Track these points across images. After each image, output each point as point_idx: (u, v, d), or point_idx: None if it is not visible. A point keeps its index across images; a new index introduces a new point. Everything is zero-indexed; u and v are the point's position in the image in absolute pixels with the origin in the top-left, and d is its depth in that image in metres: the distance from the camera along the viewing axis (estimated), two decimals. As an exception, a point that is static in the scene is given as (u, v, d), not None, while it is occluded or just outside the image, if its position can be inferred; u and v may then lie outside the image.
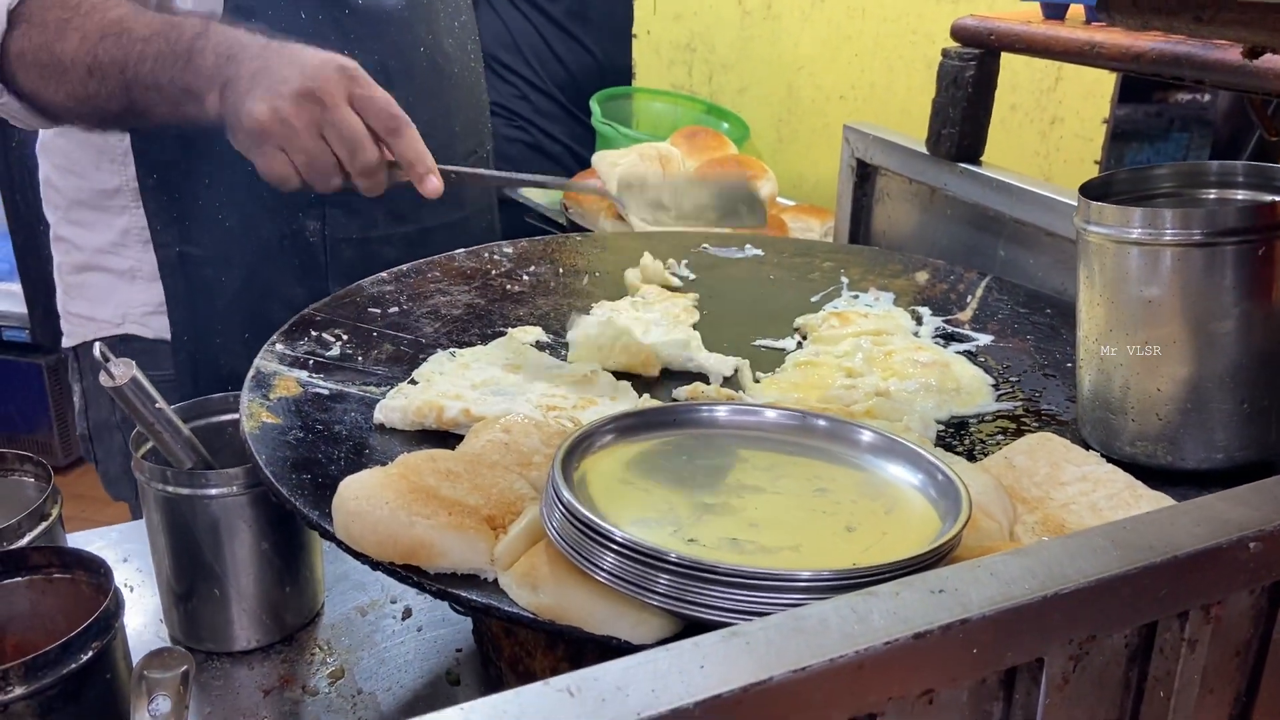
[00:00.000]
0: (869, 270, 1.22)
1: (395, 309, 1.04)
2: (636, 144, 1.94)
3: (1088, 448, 0.84)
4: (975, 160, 1.25)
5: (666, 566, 0.53)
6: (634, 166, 1.60)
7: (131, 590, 1.09)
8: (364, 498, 0.63)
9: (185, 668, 0.72)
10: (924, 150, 1.30)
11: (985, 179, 1.22)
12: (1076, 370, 0.85)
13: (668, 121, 2.23)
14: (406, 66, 1.32)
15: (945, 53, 1.23)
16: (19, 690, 0.68)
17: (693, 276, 1.20)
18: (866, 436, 0.68)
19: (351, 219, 1.26)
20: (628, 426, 0.68)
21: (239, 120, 0.93)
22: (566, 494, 0.58)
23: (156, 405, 0.88)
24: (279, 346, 0.92)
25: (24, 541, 0.86)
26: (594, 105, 2.06)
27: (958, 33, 1.21)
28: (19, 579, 0.80)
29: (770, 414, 0.71)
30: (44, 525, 0.87)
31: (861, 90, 2.00)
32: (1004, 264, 1.23)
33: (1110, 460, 0.81)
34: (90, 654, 0.72)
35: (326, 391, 0.86)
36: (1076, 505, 0.69)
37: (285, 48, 0.97)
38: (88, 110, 1.04)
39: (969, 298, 1.15)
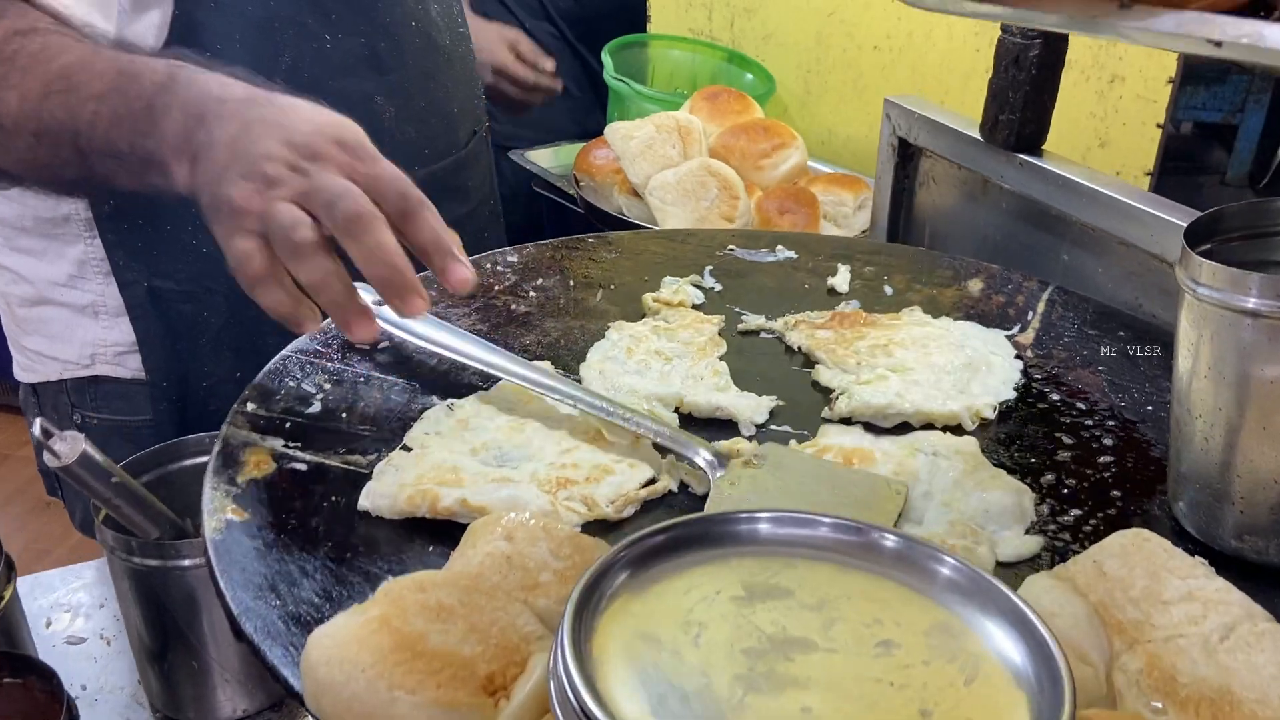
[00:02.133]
0: (915, 276, 1.09)
1: (386, 343, 0.92)
2: (652, 105, 1.80)
3: (1182, 532, 0.73)
4: (1036, 150, 1.11)
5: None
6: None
7: (109, 644, 1.00)
8: (336, 663, 0.52)
9: None
10: (976, 135, 1.16)
11: (1047, 174, 1.08)
12: (1171, 438, 0.74)
13: (686, 72, 2.07)
14: (398, 47, 1.18)
15: (1005, 29, 1.08)
16: None
17: (719, 287, 1.08)
18: (943, 569, 0.57)
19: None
20: (648, 554, 0.57)
21: (217, 207, 0.73)
22: (574, 676, 0.47)
23: (113, 480, 0.77)
24: (251, 405, 0.80)
25: (-27, 633, 0.76)
26: (606, 57, 1.89)
27: (1021, 5, 1.06)
28: (-36, 688, 0.71)
29: (824, 529, 0.60)
30: (-5, 613, 0.78)
31: (898, 40, 1.83)
32: (1067, 269, 1.10)
33: (1213, 552, 0.70)
34: (36, 798, 0.63)
35: (304, 466, 0.75)
36: (1185, 640, 0.58)
37: (268, 108, 0.76)
38: (41, 178, 0.88)
39: (1030, 314, 1.02)
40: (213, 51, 1.03)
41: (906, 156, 1.29)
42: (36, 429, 0.72)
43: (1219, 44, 0.40)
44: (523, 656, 0.56)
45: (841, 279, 1.08)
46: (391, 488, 0.71)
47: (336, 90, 0.90)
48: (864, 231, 1.57)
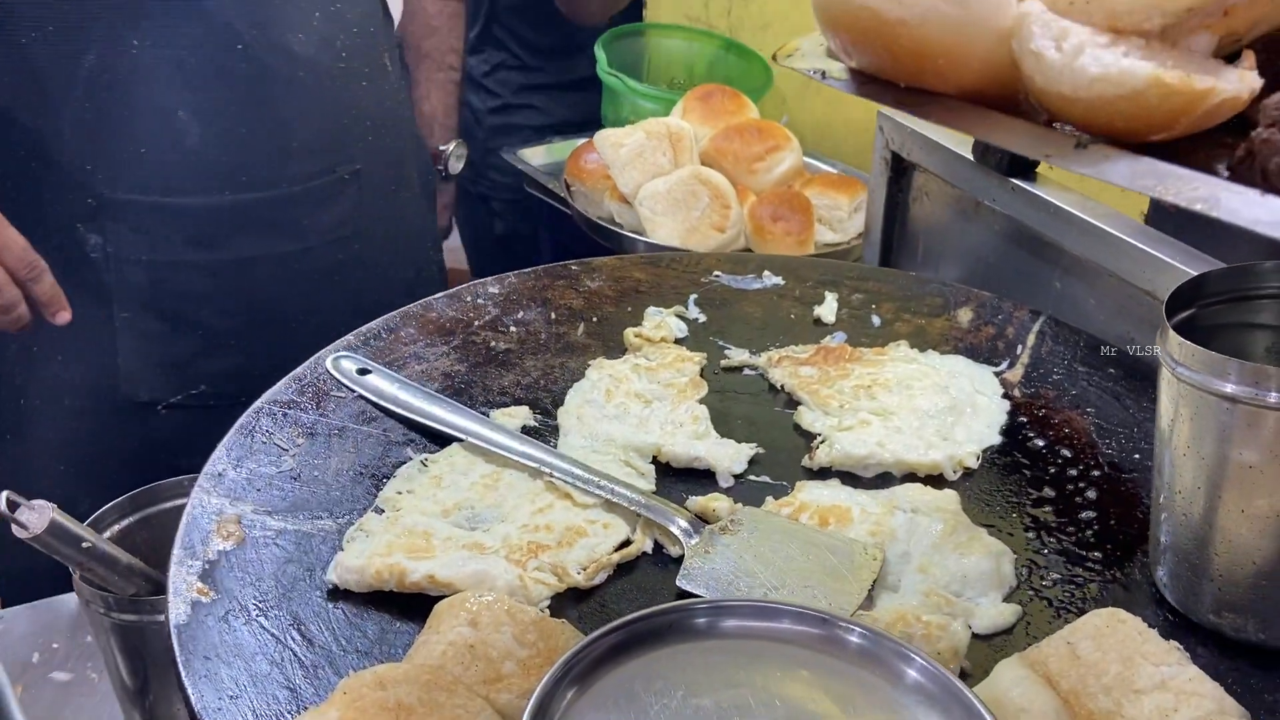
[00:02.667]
0: (904, 305, 1.07)
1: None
2: (647, 101, 1.77)
3: (1160, 598, 0.72)
4: (1029, 175, 1.08)
5: None
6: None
7: (95, 680, 1.01)
8: (291, 779, 0.52)
9: None
10: (969, 154, 1.13)
11: (1039, 200, 1.06)
12: (1152, 505, 0.72)
13: (682, 62, 2.03)
14: (217, 68, 1.18)
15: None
16: None
17: (703, 318, 1.06)
18: (911, 671, 0.56)
19: (139, 237, 1.16)
20: (603, 659, 0.56)
21: None
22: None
23: (85, 545, 0.77)
24: (220, 465, 0.80)
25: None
26: (599, 51, 1.86)
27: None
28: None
29: (787, 619, 0.59)
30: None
31: (897, 33, 1.79)
32: (1060, 297, 1.08)
33: (1190, 623, 0.69)
34: None
35: (273, 533, 0.75)
36: (1154, 736, 0.58)
37: None
38: None
39: (1019, 347, 1.00)
40: (12, 44, 1.06)
41: (900, 170, 1.26)
42: (2, 501, 0.71)
43: (1176, 208, 0.38)
44: (482, 760, 0.56)
45: (828, 309, 1.06)
46: (360, 560, 0.71)
47: (137, 98, 0.97)
48: (858, 236, 1.55)
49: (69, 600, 1.09)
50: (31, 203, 1.15)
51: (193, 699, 0.60)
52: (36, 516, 0.73)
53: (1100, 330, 1.02)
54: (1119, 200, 1.03)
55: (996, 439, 0.89)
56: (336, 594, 0.71)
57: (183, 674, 0.62)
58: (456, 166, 1.70)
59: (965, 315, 1.05)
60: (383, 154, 1.38)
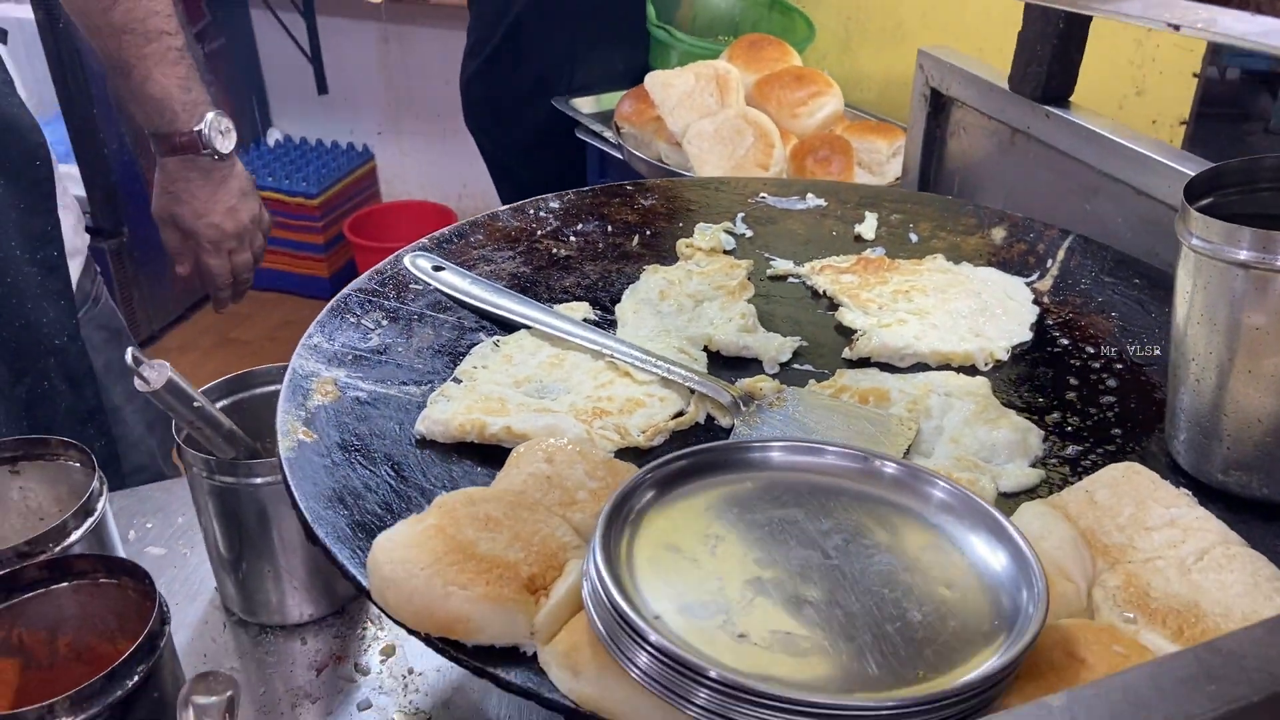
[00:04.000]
0: (940, 224, 1.14)
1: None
2: (694, 52, 1.83)
3: (1176, 467, 0.78)
4: (1064, 102, 1.14)
5: (706, 681, 0.49)
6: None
7: (187, 555, 1.10)
8: (398, 562, 0.60)
9: (230, 693, 0.72)
10: (1005, 85, 1.19)
11: (1072, 125, 1.11)
12: (1169, 379, 0.79)
13: (727, 18, 2.09)
14: None
15: (1036, -19, 1.10)
16: (67, 723, 0.68)
17: (750, 233, 1.13)
18: (936, 492, 0.63)
19: None
20: (673, 476, 0.64)
21: None
22: (604, 574, 0.54)
23: (195, 404, 0.86)
24: (316, 339, 0.88)
25: (71, 539, 0.85)
26: (649, 6, 1.93)
27: (1052, -41, 1.08)
28: (66, 584, 0.80)
29: (830, 456, 0.66)
30: (90, 521, 0.87)
31: (939, -12, 1.84)
32: (1090, 219, 1.13)
33: (1202, 485, 0.76)
34: (136, 679, 0.72)
35: (365, 394, 0.83)
36: (1163, 561, 0.64)
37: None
38: None
39: (1049, 261, 1.06)
40: None
41: (938, 106, 1.32)
42: (128, 356, 0.80)
43: (1177, 27, 0.44)
44: (560, 562, 0.63)
45: (868, 226, 1.13)
46: (444, 415, 0.78)
47: None
48: (896, 180, 1.61)
49: (159, 487, 1.18)
50: None
51: (302, 507, 0.68)
52: (156, 374, 0.81)
53: (1127, 247, 1.07)
54: (1127, 118, 1.08)
55: (1026, 335, 0.95)
56: (424, 444, 0.78)
57: (292, 488, 0.70)
58: (226, 144, 1.38)
59: (999, 233, 1.11)
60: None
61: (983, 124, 1.27)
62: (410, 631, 0.60)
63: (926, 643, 0.54)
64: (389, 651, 0.98)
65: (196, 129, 1.35)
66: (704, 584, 0.57)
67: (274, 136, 3.76)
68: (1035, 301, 1.01)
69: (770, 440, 0.67)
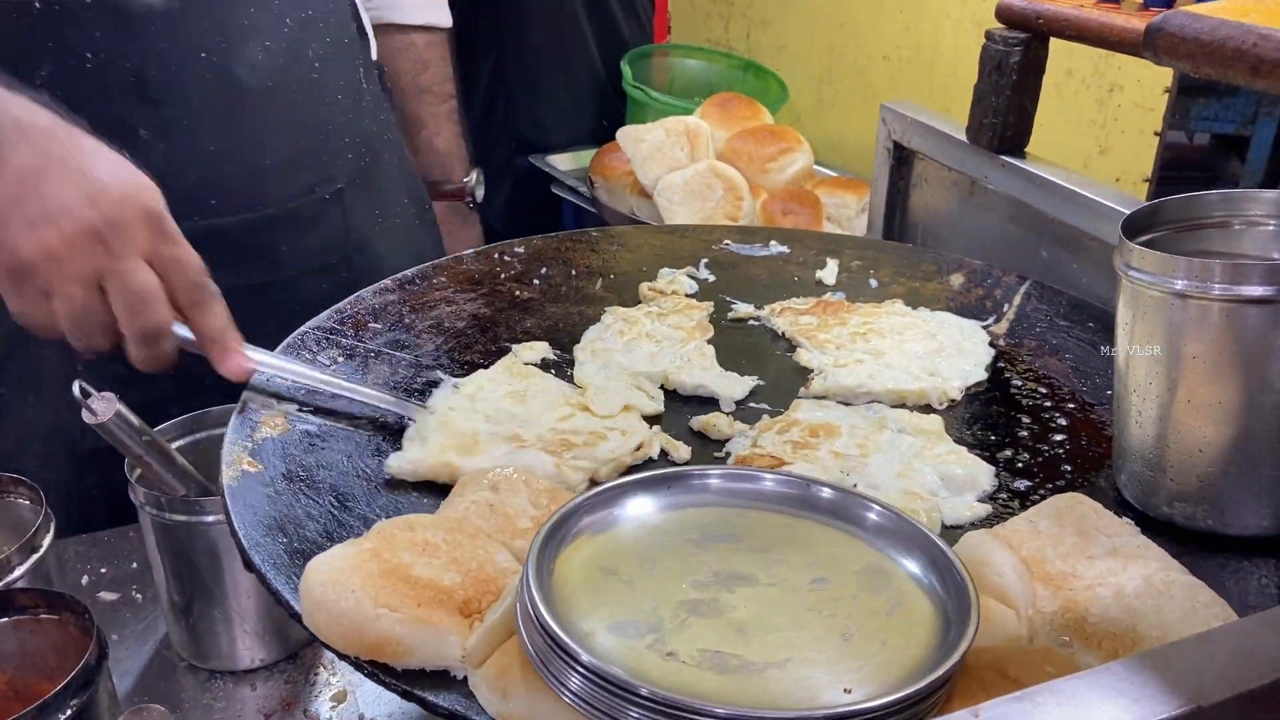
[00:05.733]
0: (900, 270, 1.15)
1: (396, 321, 1.00)
2: (669, 111, 1.87)
3: (1123, 501, 0.78)
4: (1019, 152, 1.17)
5: (636, 700, 0.48)
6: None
7: (139, 599, 1.08)
8: (330, 584, 0.59)
9: (164, 729, 0.70)
10: (964, 137, 1.22)
11: (1028, 174, 1.13)
12: (1114, 414, 0.79)
13: (703, 81, 2.14)
14: (176, 80, 1.06)
15: (989, 35, 1.14)
16: (-6, 756, 0.67)
17: (712, 278, 1.14)
18: (873, 516, 0.63)
19: None
20: (614, 499, 0.64)
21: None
22: (535, 596, 0.54)
23: (145, 438, 0.85)
24: (270, 374, 0.88)
25: (15, 574, 0.84)
26: (625, 66, 1.97)
27: (1003, 13, 1.12)
28: (6, 619, 0.79)
29: (769, 482, 0.66)
30: (34, 558, 0.86)
31: (906, 50, 1.89)
32: (1046, 265, 1.15)
33: (1148, 517, 0.76)
34: (69, 713, 0.70)
35: (314, 427, 0.83)
36: (1103, 588, 0.64)
37: (70, 147, 0.75)
38: None
39: (1006, 305, 1.07)
40: None
41: (901, 159, 1.35)
42: (76, 388, 0.80)
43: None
44: (498, 587, 0.63)
45: (829, 272, 1.14)
46: (418, 454, 0.78)
47: (95, 116, 0.83)
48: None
49: (115, 532, 1.17)
50: None
51: (240, 535, 0.68)
52: (104, 405, 0.81)
53: (1082, 292, 1.09)
54: (1091, 176, 1.10)
55: (981, 376, 0.96)
56: (368, 474, 0.78)
57: (232, 516, 0.69)
58: (480, 194, 1.61)
59: (957, 279, 1.13)
60: (364, 174, 1.26)
61: (943, 175, 1.29)
62: (340, 656, 0.59)
63: (857, 663, 0.53)
64: (340, 698, 0.96)
65: (465, 180, 1.56)
66: (637, 605, 0.57)
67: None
68: (991, 344, 1.02)
69: (709, 468, 0.67)
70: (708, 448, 0.86)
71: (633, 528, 0.63)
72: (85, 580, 1.10)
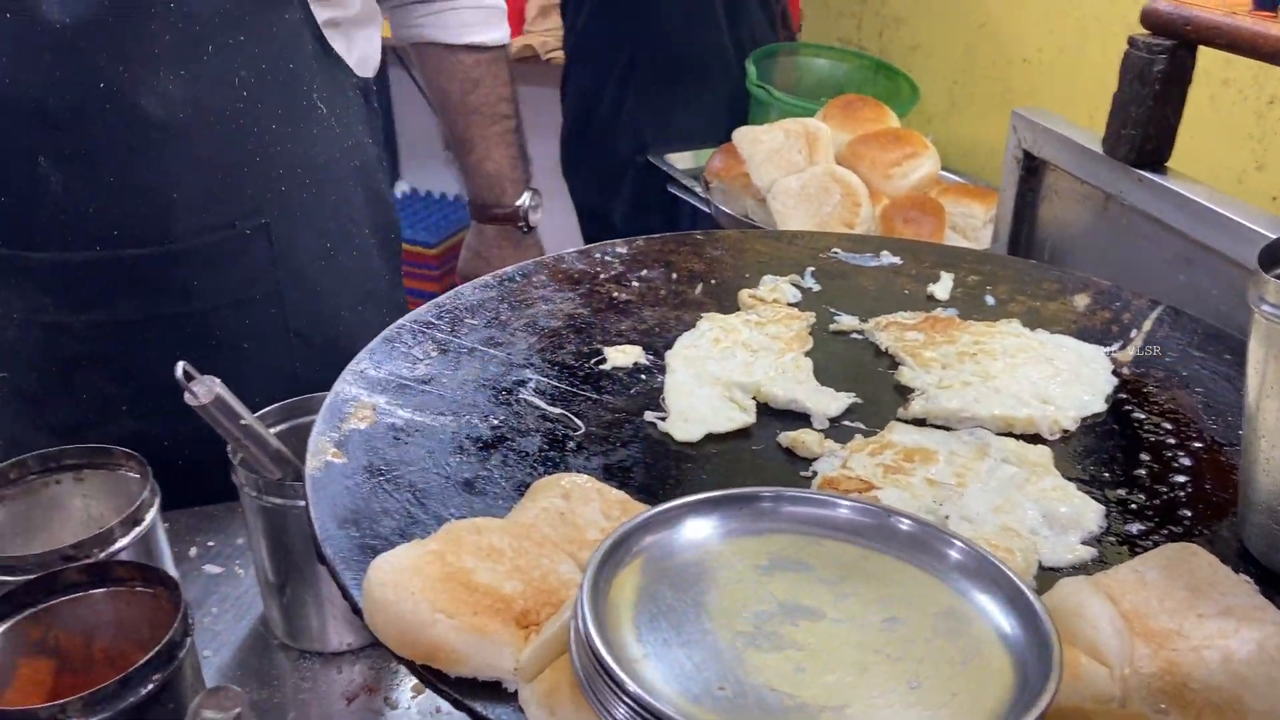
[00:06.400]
0: (1019, 288, 1.09)
1: (493, 317, 1.00)
2: (793, 111, 1.83)
3: (1246, 554, 0.72)
4: (1159, 166, 1.09)
5: (679, 734, 0.46)
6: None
7: (241, 575, 1.12)
8: (390, 585, 0.59)
9: (238, 710, 0.72)
10: (1099, 149, 1.14)
11: (1167, 191, 1.05)
12: (1241, 459, 0.72)
13: (831, 81, 2.08)
14: (74, 105, 1.02)
15: (1132, 41, 1.06)
16: (77, 724, 0.70)
17: (817, 287, 1.10)
18: (955, 553, 0.59)
19: (8, 294, 1.02)
20: (680, 518, 0.62)
21: None
22: (588, 616, 0.52)
23: (243, 422, 0.88)
24: (363, 364, 0.89)
25: (118, 545, 0.88)
26: (750, 65, 1.94)
27: (1148, 18, 1.04)
28: (103, 590, 0.82)
29: (844, 509, 0.63)
30: (137, 531, 0.89)
31: (1048, 54, 1.80)
32: (1183, 290, 1.07)
33: (1271, 575, 0.69)
34: (151, 687, 0.73)
35: (401, 421, 0.83)
36: (1210, 651, 0.58)
37: None
38: None
39: (1134, 331, 1.00)
40: None
41: (1031, 169, 1.28)
42: (179, 370, 0.82)
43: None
44: (559, 599, 0.61)
45: (943, 287, 1.09)
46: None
47: None
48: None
49: (224, 506, 1.22)
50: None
51: (315, 526, 0.69)
52: (205, 389, 0.84)
53: (1221, 321, 1.00)
54: (1246, 194, 1.02)
55: (1099, 406, 0.90)
56: (449, 474, 0.78)
57: (310, 507, 0.70)
58: (536, 218, 1.53)
59: (1082, 300, 1.06)
60: (305, 207, 1.19)
61: (1075, 188, 1.22)
62: (396, 657, 0.59)
63: (923, 714, 0.50)
64: (420, 689, 0.97)
65: (517, 204, 1.49)
66: (694, 632, 0.54)
67: (401, 188, 3.92)
68: (1114, 372, 0.95)
69: (783, 490, 0.64)
70: (795, 465, 0.83)
71: (697, 549, 0.60)
72: (193, 552, 1.15)
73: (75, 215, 1.04)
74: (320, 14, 1.16)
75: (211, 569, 1.13)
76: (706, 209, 1.75)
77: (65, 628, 0.80)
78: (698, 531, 0.61)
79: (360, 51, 1.26)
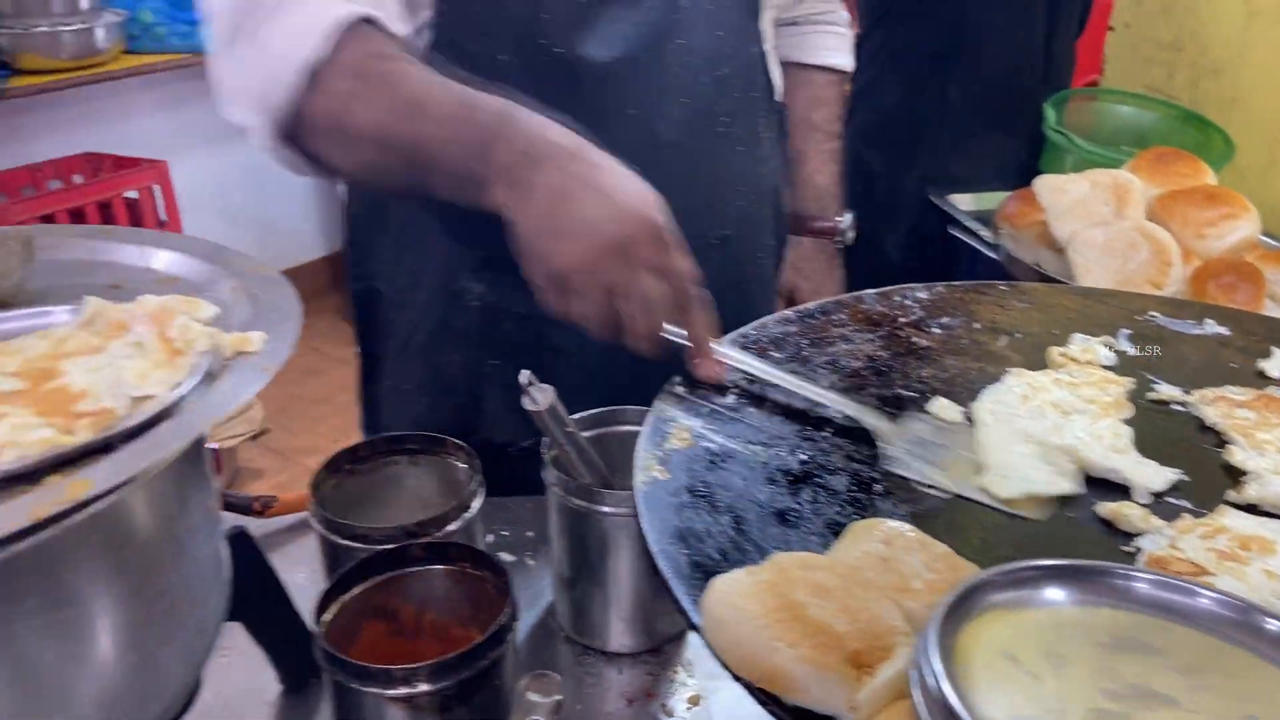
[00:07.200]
0: (1367, 374, 1.00)
1: (795, 352, 1.03)
2: (1094, 160, 1.76)
3: None
4: None
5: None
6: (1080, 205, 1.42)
7: (531, 566, 1.20)
8: (731, 606, 0.63)
9: (559, 697, 0.78)
10: None
11: None
12: None
13: (1133, 130, 1.98)
14: (601, 131, 1.08)
15: None
16: (424, 688, 0.77)
17: (1133, 351, 1.06)
18: (1331, 665, 0.56)
19: (522, 294, 1.04)
20: (1024, 582, 0.61)
21: (536, 251, 0.87)
22: (941, 676, 0.53)
23: (568, 429, 0.95)
24: (678, 388, 0.94)
25: (450, 528, 0.97)
26: (1048, 109, 1.88)
27: None
28: (440, 567, 0.91)
29: (1205, 598, 0.61)
30: (466, 516, 0.98)
31: (1395, 113, 1.64)
32: None
33: None
34: (485, 663, 0.80)
35: (716, 446, 0.87)
36: None
37: (587, 162, 0.88)
38: (370, 179, 1.03)
39: None
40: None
41: (1381, 242, 1.17)
42: (522, 376, 0.90)
43: None
44: (887, 644, 0.63)
45: (1275, 363, 1.02)
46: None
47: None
48: (1317, 318, 1.43)
49: (516, 500, 1.30)
50: (425, 250, 1.22)
51: (650, 539, 0.73)
52: (543, 396, 0.91)
53: None
54: None
55: None
56: (762, 505, 0.81)
57: (643, 521, 0.75)
58: (850, 236, 1.61)
59: None
60: (750, 222, 1.32)
61: None
62: (734, 676, 0.62)
63: (1296, 828, 0.48)
64: (695, 701, 1.01)
65: (838, 220, 1.58)
66: (1043, 703, 0.54)
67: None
68: None
69: (1134, 568, 0.63)
70: (1114, 539, 0.80)
71: (1040, 616, 0.60)
72: (490, 539, 1.24)
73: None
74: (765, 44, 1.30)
75: (506, 557, 1.21)
76: (990, 254, 1.71)
77: (404, 598, 0.89)
78: (1042, 597, 0.61)
79: (777, 76, 1.38)
